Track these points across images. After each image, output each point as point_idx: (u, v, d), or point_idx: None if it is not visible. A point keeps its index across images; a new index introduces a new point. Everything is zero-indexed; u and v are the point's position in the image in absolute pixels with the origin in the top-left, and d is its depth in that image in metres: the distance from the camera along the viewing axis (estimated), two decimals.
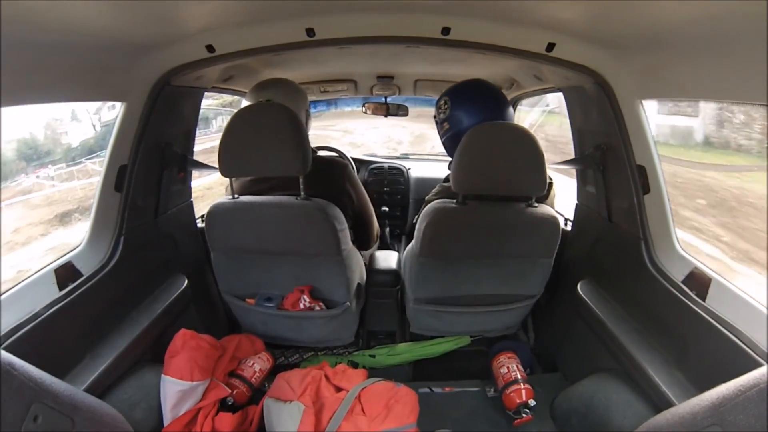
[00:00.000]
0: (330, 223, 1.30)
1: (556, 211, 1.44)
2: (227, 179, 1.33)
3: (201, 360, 1.20)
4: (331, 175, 1.50)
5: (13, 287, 0.99)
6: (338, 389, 1.25)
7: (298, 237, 1.34)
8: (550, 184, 1.50)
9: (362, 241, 1.64)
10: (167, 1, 0.89)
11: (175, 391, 1.13)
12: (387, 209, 2.49)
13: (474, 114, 1.43)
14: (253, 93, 1.55)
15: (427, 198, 1.53)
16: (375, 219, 1.70)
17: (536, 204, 1.32)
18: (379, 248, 2.00)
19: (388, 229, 2.36)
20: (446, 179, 1.66)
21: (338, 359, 1.55)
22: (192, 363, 1.17)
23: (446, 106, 1.48)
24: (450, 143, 1.50)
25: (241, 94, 1.97)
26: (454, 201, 1.31)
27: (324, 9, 1.07)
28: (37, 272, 1.05)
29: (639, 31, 0.94)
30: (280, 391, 1.21)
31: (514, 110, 2.19)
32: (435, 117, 1.56)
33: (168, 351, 1.19)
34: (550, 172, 1.58)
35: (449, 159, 1.49)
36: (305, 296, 1.41)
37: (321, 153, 1.80)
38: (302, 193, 1.31)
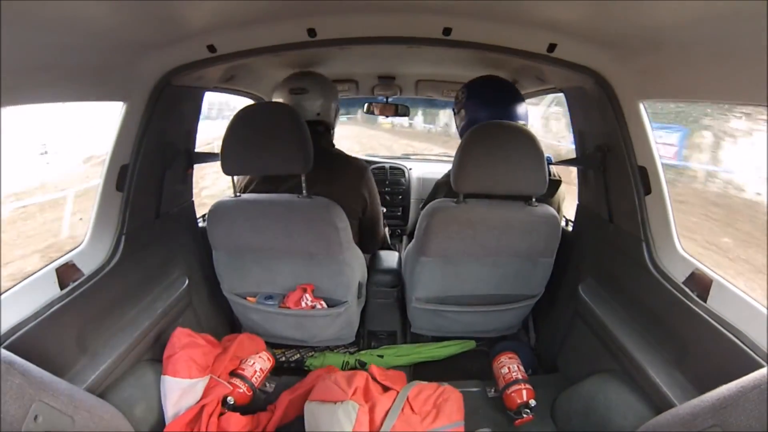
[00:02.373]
0: (332, 222, 1.30)
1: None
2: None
3: (198, 357, 1.20)
4: (350, 173, 1.51)
5: (14, 286, 0.99)
6: (385, 389, 1.26)
7: (299, 235, 1.35)
8: (558, 182, 1.51)
9: (367, 244, 1.65)
10: (168, 1, 0.89)
11: (176, 389, 1.14)
12: (387, 209, 2.49)
13: (486, 105, 1.50)
14: (287, 83, 1.56)
15: (430, 194, 1.56)
16: (382, 225, 1.73)
17: (536, 203, 1.32)
18: (380, 248, 2.01)
19: (388, 229, 2.36)
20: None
21: (345, 358, 1.55)
22: (189, 361, 1.18)
23: (462, 96, 1.56)
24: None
25: (243, 93, 1.97)
26: (455, 200, 1.31)
27: (325, 9, 1.07)
28: (38, 271, 1.05)
29: (640, 31, 0.94)
30: (328, 393, 1.19)
31: None
32: (453, 109, 1.64)
33: (165, 351, 1.20)
34: (560, 172, 1.59)
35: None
36: (307, 295, 1.41)
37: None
38: (304, 191, 1.32)
